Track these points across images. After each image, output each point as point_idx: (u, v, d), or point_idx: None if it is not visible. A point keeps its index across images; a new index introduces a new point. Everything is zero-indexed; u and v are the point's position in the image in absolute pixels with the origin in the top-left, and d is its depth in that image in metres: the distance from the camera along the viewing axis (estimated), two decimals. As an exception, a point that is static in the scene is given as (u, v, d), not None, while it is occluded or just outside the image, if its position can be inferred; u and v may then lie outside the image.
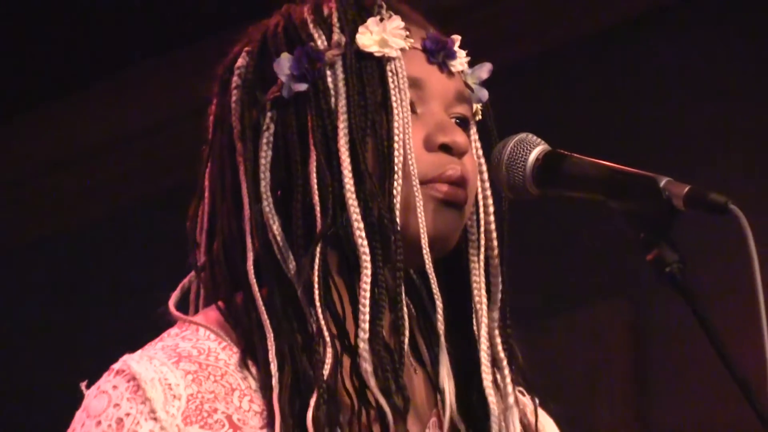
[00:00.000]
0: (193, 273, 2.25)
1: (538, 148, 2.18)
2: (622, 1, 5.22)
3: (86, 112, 6.12)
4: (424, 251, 2.13)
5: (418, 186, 2.13)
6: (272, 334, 2.10)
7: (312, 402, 2.07)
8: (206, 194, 2.24)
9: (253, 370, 2.12)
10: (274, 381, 2.09)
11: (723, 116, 5.00)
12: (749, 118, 5.01)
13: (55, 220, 6.38)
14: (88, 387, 2.12)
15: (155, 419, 2.07)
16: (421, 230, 2.12)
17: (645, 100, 5.12)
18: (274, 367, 2.09)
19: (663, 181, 2.05)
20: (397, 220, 2.13)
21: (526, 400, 2.28)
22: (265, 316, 2.12)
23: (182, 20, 5.25)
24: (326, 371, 2.08)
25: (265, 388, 2.11)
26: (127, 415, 2.07)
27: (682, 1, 5.07)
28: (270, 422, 2.09)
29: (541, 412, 2.34)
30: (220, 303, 2.18)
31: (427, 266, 2.13)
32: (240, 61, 2.22)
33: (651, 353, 5.05)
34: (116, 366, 2.11)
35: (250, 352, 2.13)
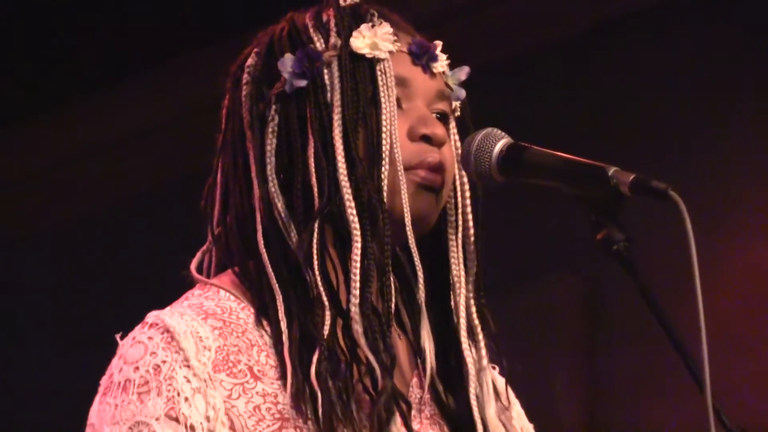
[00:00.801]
0: (208, 243, 2.27)
1: (502, 141, 2.20)
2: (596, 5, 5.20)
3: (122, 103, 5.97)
4: (408, 228, 2.15)
5: (402, 171, 2.15)
6: (281, 296, 2.13)
7: (314, 358, 2.10)
8: (219, 176, 2.25)
9: (267, 329, 2.15)
10: (285, 337, 2.12)
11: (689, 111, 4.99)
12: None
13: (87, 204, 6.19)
14: (122, 338, 2.13)
15: (189, 367, 2.09)
16: (405, 210, 2.16)
17: (613, 99, 5.09)
18: (284, 325, 2.12)
19: (611, 170, 2.07)
20: (385, 200, 2.15)
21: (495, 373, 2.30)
22: (274, 281, 2.15)
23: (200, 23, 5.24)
24: (326, 331, 2.11)
25: (277, 345, 2.13)
26: (164, 362, 2.08)
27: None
28: (282, 374, 2.12)
29: (499, 377, 2.36)
30: (235, 269, 2.20)
31: (410, 241, 2.15)
32: (250, 60, 2.24)
33: (602, 324, 5.00)
34: (149, 320, 2.13)
35: (264, 312, 2.16)
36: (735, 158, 4.85)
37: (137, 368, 2.09)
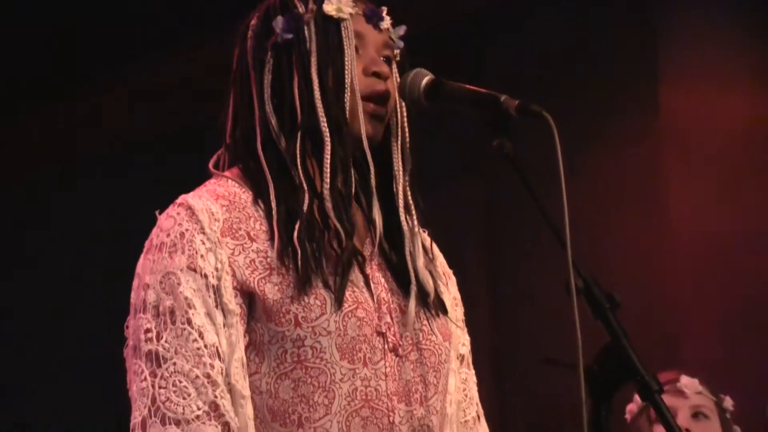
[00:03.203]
0: (221, 149, 2.26)
1: (427, 77, 2.21)
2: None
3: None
4: (363, 137, 2.19)
5: (359, 97, 2.17)
6: (273, 185, 2.16)
7: (296, 227, 2.13)
8: (231, 103, 2.26)
9: (262, 207, 2.16)
10: (275, 212, 2.14)
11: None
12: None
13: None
14: (159, 213, 2.16)
15: (203, 233, 2.11)
16: (362, 126, 2.18)
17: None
18: (274, 204, 2.14)
19: (503, 97, 2.11)
20: (347, 117, 2.17)
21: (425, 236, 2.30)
22: (268, 174, 2.17)
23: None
24: (305, 208, 2.14)
25: (268, 218, 2.15)
26: (186, 230, 2.11)
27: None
28: (271, 238, 2.13)
29: (442, 257, 2.36)
30: (240, 165, 2.22)
31: (365, 145, 2.19)
32: (253, 22, 2.25)
33: (501, 214, 4.89)
34: (178, 201, 2.15)
35: (259, 195, 2.17)
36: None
37: (168, 234, 2.12)
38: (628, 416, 3.61)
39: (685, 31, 4.57)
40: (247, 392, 2.08)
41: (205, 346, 2.06)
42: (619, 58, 4.64)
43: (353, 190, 2.20)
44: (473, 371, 2.38)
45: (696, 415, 3.50)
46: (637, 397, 3.48)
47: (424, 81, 2.23)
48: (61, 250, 5.71)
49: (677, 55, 4.60)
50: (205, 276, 2.10)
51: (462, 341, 2.35)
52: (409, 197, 2.25)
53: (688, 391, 3.52)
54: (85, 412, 5.36)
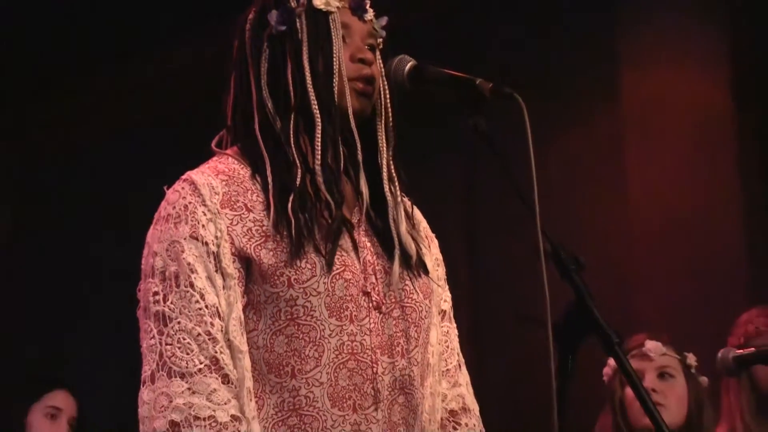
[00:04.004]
0: (223, 131, 2.27)
1: (410, 63, 2.23)
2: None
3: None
4: (351, 118, 2.19)
5: (347, 81, 2.19)
6: (269, 161, 2.17)
7: (290, 198, 2.14)
8: (231, 88, 2.26)
9: (259, 181, 2.17)
10: (270, 185, 2.15)
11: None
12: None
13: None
14: (167, 188, 2.17)
15: (205, 205, 2.12)
16: (349, 106, 2.19)
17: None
18: (270, 179, 2.16)
19: (478, 81, 2.13)
20: (335, 99, 2.18)
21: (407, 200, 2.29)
22: (264, 152, 2.18)
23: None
24: (298, 182, 2.15)
25: (265, 190, 2.16)
26: (190, 203, 2.13)
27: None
28: (267, 208, 2.14)
29: (418, 212, 2.35)
30: (239, 144, 2.22)
31: (352, 125, 2.19)
32: (250, 16, 2.26)
33: (478, 185, 4.84)
34: (183, 177, 2.16)
35: (257, 170, 2.18)
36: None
37: (174, 207, 2.13)
38: (605, 378, 3.61)
39: (644, 18, 4.51)
40: (244, 347, 2.09)
41: (206, 306, 2.08)
42: (583, 44, 4.59)
43: (342, 165, 2.21)
44: (454, 325, 2.38)
45: (662, 375, 3.50)
46: (610, 361, 3.53)
47: (408, 66, 2.24)
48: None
49: (636, 41, 4.55)
50: (206, 243, 2.10)
51: (444, 298, 2.35)
52: (393, 170, 2.25)
53: (653, 354, 3.51)
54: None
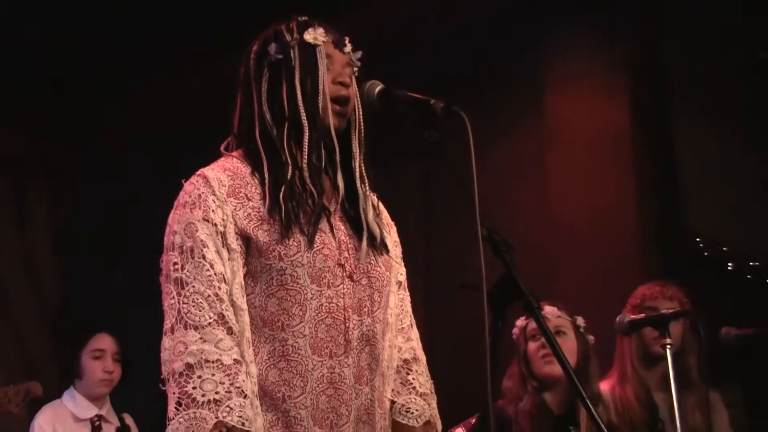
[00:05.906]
0: (230, 137, 2.24)
1: (379, 87, 2.21)
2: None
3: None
4: (331, 127, 2.17)
5: (329, 99, 2.17)
6: (266, 161, 2.15)
7: (282, 190, 2.12)
8: (238, 104, 2.23)
9: (257, 176, 2.14)
10: (267, 180, 2.13)
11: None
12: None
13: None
14: (185, 181, 2.14)
15: (214, 194, 2.10)
16: (330, 119, 2.17)
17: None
18: (267, 175, 2.14)
19: (432, 101, 2.11)
20: (320, 113, 2.16)
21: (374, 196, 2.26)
22: (263, 154, 2.16)
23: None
24: (289, 177, 2.13)
25: (262, 184, 2.13)
26: (202, 193, 2.10)
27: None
28: (263, 197, 2.12)
29: (381, 205, 2.30)
30: (243, 148, 2.20)
31: (332, 133, 2.17)
32: (254, 47, 2.23)
33: (432, 192, 4.73)
34: (197, 173, 2.14)
35: (256, 168, 2.15)
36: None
37: (190, 195, 2.10)
38: (514, 335, 3.60)
39: (561, 55, 4.45)
40: (244, 306, 2.07)
41: (215, 274, 2.05)
42: (515, 75, 4.51)
43: (323, 165, 2.19)
44: (408, 293, 2.37)
45: (557, 332, 3.44)
46: (518, 322, 3.51)
47: (377, 89, 2.22)
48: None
49: (555, 73, 4.48)
50: (215, 225, 2.08)
51: (400, 272, 2.34)
52: (363, 170, 2.23)
53: (550, 316, 3.45)
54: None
